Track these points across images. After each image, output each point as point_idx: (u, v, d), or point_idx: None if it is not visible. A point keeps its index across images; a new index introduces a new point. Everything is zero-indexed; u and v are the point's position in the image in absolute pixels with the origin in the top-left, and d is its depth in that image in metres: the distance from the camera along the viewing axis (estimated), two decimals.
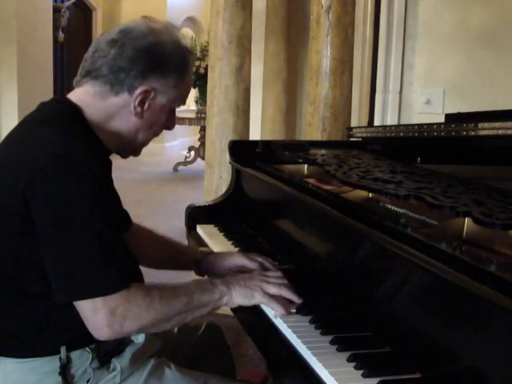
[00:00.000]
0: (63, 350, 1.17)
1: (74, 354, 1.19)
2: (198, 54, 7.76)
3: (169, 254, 1.57)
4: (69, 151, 1.10)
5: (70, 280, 1.08)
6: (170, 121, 1.34)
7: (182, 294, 1.18)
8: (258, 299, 1.24)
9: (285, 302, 1.24)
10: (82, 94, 1.25)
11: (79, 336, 1.18)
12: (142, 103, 1.24)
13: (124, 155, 1.34)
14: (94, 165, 1.11)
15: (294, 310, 1.23)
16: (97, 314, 1.08)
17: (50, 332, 1.18)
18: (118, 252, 1.12)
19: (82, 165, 1.10)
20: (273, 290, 1.25)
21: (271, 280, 1.28)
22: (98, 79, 1.23)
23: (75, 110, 1.22)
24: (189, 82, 1.31)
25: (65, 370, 1.17)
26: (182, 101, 1.33)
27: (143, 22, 1.26)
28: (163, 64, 1.23)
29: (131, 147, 1.32)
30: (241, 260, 1.46)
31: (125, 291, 1.09)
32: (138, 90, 1.22)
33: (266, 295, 1.24)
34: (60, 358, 1.17)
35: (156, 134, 1.35)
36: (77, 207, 1.08)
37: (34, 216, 1.09)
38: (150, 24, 1.26)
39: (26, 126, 1.23)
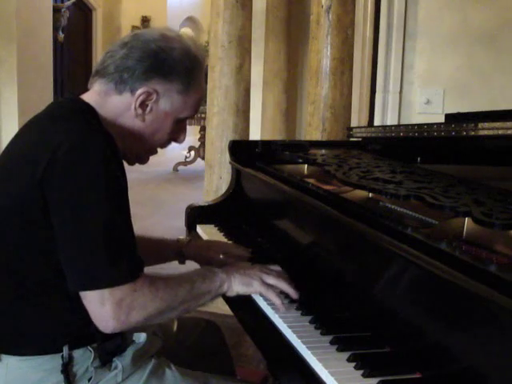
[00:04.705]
0: (65, 348, 1.18)
1: (76, 353, 1.19)
2: None
3: (148, 250, 1.56)
4: (86, 142, 1.11)
5: (79, 270, 1.09)
6: (178, 133, 1.33)
7: (185, 282, 1.20)
8: (256, 287, 1.27)
9: (282, 297, 1.26)
10: (92, 94, 1.26)
11: (82, 335, 1.19)
12: (143, 105, 1.24)
13: (129, 161, 1.32)
14: (111, 158, 1.12)
15: (294, 307, 1.24)
16: (103, 306, 1.08)
17: (53, 330, 1.19)
18: (129, 243, 1.13)
19: (99, 157, 1.10)
20: (271, 280, 1.28)
21: (271, 272, 1.31)
22: (105, 77, 1.24)
23: (90, 109, 1.23)
24: (197, 91, 1.29)
25: (67, 369, 1.18)
26: (190, 111, 1.30)
27: (158, 29, 1.28)
28: (168, 68, 1.23)
29: (135, 153, 1.31)
30: (225, 245, 1.56)
31: (132, 282, 1.10)
32: (140, 91, 1.22)
33: (265, 285, 1.27)
34: (62, 356, 1.18)
35: (163, 145, 1.34)
36: (90, 197, 1.09)
37: (50, 205, 1.10)
38: (164, 31, 1.27)
39: (43, 120, 1.23)
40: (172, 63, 1.23)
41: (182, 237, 1.65)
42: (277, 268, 1.36)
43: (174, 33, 1.29)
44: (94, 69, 1.28)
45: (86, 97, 1.27)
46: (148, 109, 1.25)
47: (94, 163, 1.10)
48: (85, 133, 1.13)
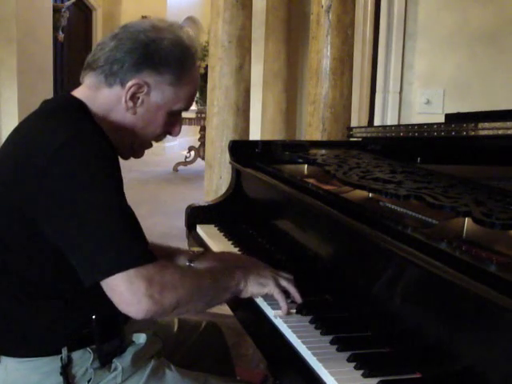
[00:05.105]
0: (64, 350, 1.17)
1: (76, 354, 1.19)
2: None
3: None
4: (80, 134, 1.10)
5: (102, 257, 1.05)
6: (172, 126, 1.31)
7: (208, 273, 1.22)
8: (271, 288, 1.24)
9: (288, 303, 1.25)
10: (84, 89, 1.25)
11: (81, 336, 1.18)
12: (133, 98, 1.22)
13: (123, 155, 1.30)
14: (105, 144, 1.12)
15: (294, 311, 1.24)
16: (134, 284, 1.03)
17: (52, 332, 1.18)
18: (141, 228, 1.11)
19: (95, 144, 1.10)
20: (284, 282, 1.27)
21: (282, 274, 1.30)
22: (95, 70, 1.23)
23: (80, 105, 1.22)
24: (189, 82, 1.26)
25: (66, 370, 1.17)
26: (184, 104, 1.28)
27: (148, 20, 1.26)
28: (158, 59, 1.21)
29: (129, 147, 1.30)
30: (237, 257, 1.51)
31: (156, 263, 1.07)
32: (130, 83, 1.20)
33: (278, 287, 1.25)
34: (61, 358, 1.17)
35: (157, 138, 1.32)
36: (94, 187, 1.07)
37: (50, 204, 1.08)
38: (155, 22, 1.25)
39: (35, 118, 1.22)
40: (162, 54, 1.21)
41: (196, 248, 1.61)
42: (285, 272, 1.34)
43: (165, 23, 1.26)
44: (85, 62, 1.26)
45: (77, 92, 1.25)
46: (139, 101, 1.23)
47: (92, 151, 1.09)
48: (75, 128, 1.12)
